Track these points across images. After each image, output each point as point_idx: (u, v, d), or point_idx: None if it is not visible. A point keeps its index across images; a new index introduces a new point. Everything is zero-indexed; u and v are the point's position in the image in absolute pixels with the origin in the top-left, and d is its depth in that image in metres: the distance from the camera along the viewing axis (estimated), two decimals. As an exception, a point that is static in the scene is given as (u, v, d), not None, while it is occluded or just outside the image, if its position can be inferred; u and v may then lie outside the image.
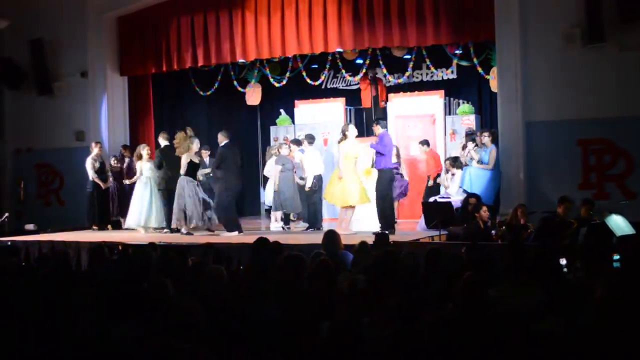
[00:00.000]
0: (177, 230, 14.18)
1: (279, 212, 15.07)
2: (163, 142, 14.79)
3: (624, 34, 12.58)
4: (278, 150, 15.25)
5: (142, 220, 14.76)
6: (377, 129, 13.20)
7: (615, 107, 12.67)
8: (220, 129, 14.34)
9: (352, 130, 13.43)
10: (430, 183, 15.51)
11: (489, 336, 4.74)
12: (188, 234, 13.83)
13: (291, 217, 15.43)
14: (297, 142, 15.51)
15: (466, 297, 5.29)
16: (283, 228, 14.88)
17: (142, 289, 5.95)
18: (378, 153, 13.05)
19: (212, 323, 5.10)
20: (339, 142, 13.51)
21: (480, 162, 13.88)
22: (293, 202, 14.69)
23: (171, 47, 16.58)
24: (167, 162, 14.41)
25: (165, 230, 14.50)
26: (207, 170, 14.93)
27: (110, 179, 15.94)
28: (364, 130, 17.39)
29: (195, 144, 14.04)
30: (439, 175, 15.62)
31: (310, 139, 15.05)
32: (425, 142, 15.92)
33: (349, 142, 13.27)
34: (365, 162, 14.93)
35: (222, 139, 14.01)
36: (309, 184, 14.49)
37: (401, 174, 15.50)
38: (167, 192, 14.43)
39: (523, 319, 5.03)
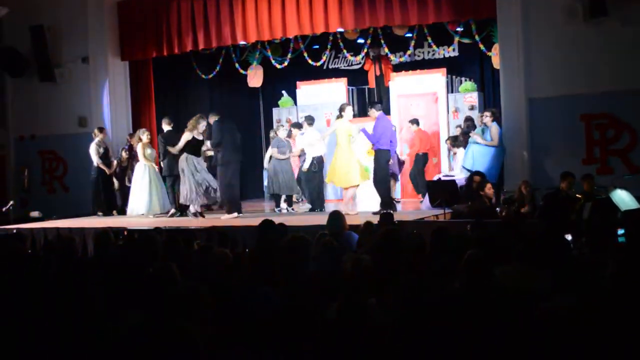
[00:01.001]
0: (185, 213, 14.23)
1: (283, 195, 15.09)
2: (166, 127, 14.82)
3: (626, 8, 12.51)
4: (276, 132, 15.24)
5: (144, 207, 14.76)
6: (373, 113, 13.25)
7: (618, 81, 12.60)
8: (222, 112, 14.39)
9: (349, 112, 13.51)
10: (404, 158, 15.59)
11: (496, 315, 4.74)
12: (195, 215, 13.83)
13: (294, 199, 15.44)
14: (298, 126, 15.47)
15: (470, 275, 5.29)
16: (287, 210, 14.90)
17: (148, 273, 5.96)
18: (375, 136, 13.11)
19: (219, 306, 5.10)
20: (336, 118, 13.61)
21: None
22: (286, 184, 14.69)
23: (172, 31, 16.50)
24: (170, 147, 14.42)
25: (173, 211, 14.50)
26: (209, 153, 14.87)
27: (114, 164, 15.92)
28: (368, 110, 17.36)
29: (202, 125, 14.00)
30: (425, 154, 15.66)
31: (310, 120, 15.03)
32: (415, 121, 15.91)
33: (343, 121, 13.30)
34: (367, 143, 14.88)
35: (213, 117, 14.16)
36: (306, 165, 14.51)
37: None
38: (172, 177, 14.47)
39: (530, 298, 5.02)
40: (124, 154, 15.92)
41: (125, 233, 11.93)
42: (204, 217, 13.94)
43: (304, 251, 6.64)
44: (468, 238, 7.06)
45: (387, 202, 12.94)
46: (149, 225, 12.37)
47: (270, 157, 15.03)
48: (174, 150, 13.97)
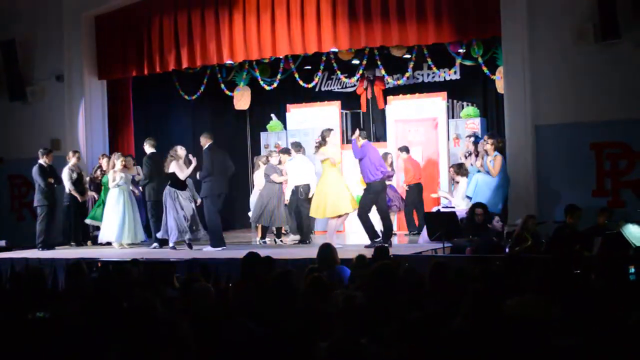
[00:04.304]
0: (165, 244, 14.22)
1: (271, 226, 15.04)
2: (149, 149, 14.75)
3: (640, 30, 12.59)
4: (267, 158, 15.19)
5: (114, 235, 14.71)
6: (359, 141, 13.30)
7: (631, 108, 12.63)
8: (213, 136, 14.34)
9: (333, 137, 13.59)
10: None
11: (502, 353, 4.72)
12: (173, 248, 13.83)
13: (283, 231, 15.37)
14: (287, 152, 15.42)
15: (474, 312, 5.27)
16: (275, 242, 14.83)
17: (127, 307, 5.94)
18: (363, 165, 13.20)
19: (200, 343, 5.07)
20: (317, 147, 13.61)
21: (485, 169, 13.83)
22: (277, 215, 14.62)
23: (153, 48, 16.52)
24: (155, 170, 14.41)
25: (154, 244, 14.45)
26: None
27: (88, 191, 15.86)
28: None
29: (180, 149, 13.99)
30: (418, 184, 15.66)
31: (297, 146, 14.97)
32: (404, 149, 15.93)
33: (329, 148, 13.35)
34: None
35: (206, 141, 14.01)
36: (287, 197, 14.48)
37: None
38: (156, 203, 14.45)
39: (538, 336, 5.01)
40: (98, 173, 15.87)
41: (99, 264, 11.89)
42: (191, 247, 13.95)
43: (291, 286, 6.63)
44: (469, 274, 7.04)
45: (374, 233, 13.07)
46: (126, 257, 12.30)
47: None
48: (182, 177, 13.97)
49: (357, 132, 13.49)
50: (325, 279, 6.97)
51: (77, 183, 15.70)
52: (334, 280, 7.84)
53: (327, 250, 8.93)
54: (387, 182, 14.63)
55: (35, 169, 15.24)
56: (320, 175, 13.63)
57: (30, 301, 7.24)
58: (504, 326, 5.10)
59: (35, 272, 8.99)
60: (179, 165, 13.91)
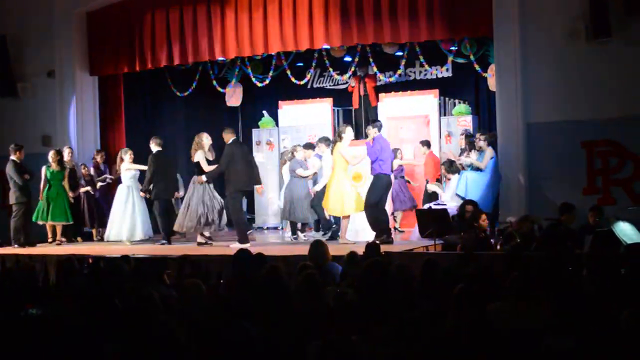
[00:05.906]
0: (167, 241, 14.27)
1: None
2: (155, 148, 14.65)
3: (631, 28, 12.58)
4: (292, 154, 15.07)
5: (126, 233, 14.72)
6: (374, 132, 13.10)
7: (622, 107, 12.66)
8: (199, 132, 14.23)
9: (349, 133, 13.38)
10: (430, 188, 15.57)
11: (493, 355, 4.71)
12: (200, 244, 13.81)
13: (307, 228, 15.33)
14: (311, 147, 15.18)
15: (461, 311, 5.27)
16: (295, 239, 14.68)
17: (124, 304, 5.93)
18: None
19: (193, 341, 5.06)
20: (333, 143, 13.51)
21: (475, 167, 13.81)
22: (302, 211, 14.52)
23: (145, 45, 16.49)
24: (160, 169, 14.34)
25: (163, 241, 14.41)
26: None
27: (82, 188, 15.82)
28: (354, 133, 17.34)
29: (206, 138, 13.89)
30: (439, 180, 15.59)
31: (327, 141, 14.79)
32: (426, 143, 15.83)
33: (344, 145, 13.21)
34: (356, 167, 14.78)
35: (229, 137, 13.75)
36: (319, 186, 14.30)
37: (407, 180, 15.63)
38: (163, 201, 14.42)
39: (530, 336, 5.00)
40: (84, 170, 15.86)
41: (90, 261, 11.85)
42: (211, 244, 13.94)
43: (281, 283, 6.62)
44: (460, 271, 7.04)
45: (383, 229, 12.92)
46: (117, 253, 12.26)
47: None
48: (206, 175, 13.80)
49: (371, 128, 13.26)
50: (318, 276, 6.96)
51: (69, 179, 15.63)
52: (325, 278, 7.84)
53: (318, 247, 8.92)
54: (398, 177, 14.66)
55: (9, 166, 15.18)
56: (333, 171, 13.37)
57: (22, 297, 7.23)
58: (491, 331, 5.10)
59: (26, 268, 8.97)
60: (204, 155, 13.78)
